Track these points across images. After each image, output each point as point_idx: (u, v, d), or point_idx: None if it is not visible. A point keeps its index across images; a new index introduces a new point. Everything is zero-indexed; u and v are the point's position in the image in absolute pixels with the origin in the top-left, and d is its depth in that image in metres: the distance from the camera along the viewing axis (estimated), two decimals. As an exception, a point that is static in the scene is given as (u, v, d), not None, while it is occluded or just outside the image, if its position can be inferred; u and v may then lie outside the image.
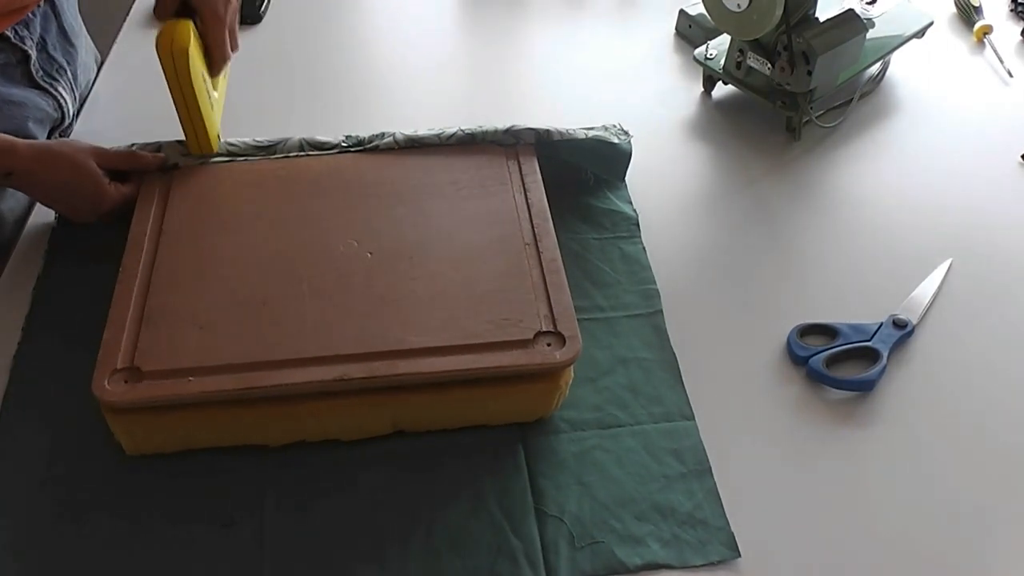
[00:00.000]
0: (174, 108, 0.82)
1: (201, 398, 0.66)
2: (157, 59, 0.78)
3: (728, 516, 0.68)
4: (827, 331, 0.80)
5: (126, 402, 0.66)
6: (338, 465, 0.70)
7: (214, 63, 0.84)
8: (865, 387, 0.76)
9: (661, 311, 0.81)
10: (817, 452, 0.73)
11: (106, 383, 0.66)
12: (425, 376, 0.67)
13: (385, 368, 0.67)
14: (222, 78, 0.89)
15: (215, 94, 0.87)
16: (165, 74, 0.79)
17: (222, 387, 0.66)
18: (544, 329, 0.70)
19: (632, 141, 0.91)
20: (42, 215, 0.88)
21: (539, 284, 0.73)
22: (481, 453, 0.71)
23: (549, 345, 0.69)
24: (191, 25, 0.79)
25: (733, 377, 0.78)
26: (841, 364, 0.78)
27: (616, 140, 0.89)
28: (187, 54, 0.78)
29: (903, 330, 0.80)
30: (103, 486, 0.69)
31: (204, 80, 0.83)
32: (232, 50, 0.85)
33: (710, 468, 0.70)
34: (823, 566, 0.66)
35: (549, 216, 0.79)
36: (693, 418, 0.73)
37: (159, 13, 0.80)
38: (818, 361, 0.77)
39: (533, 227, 0.78)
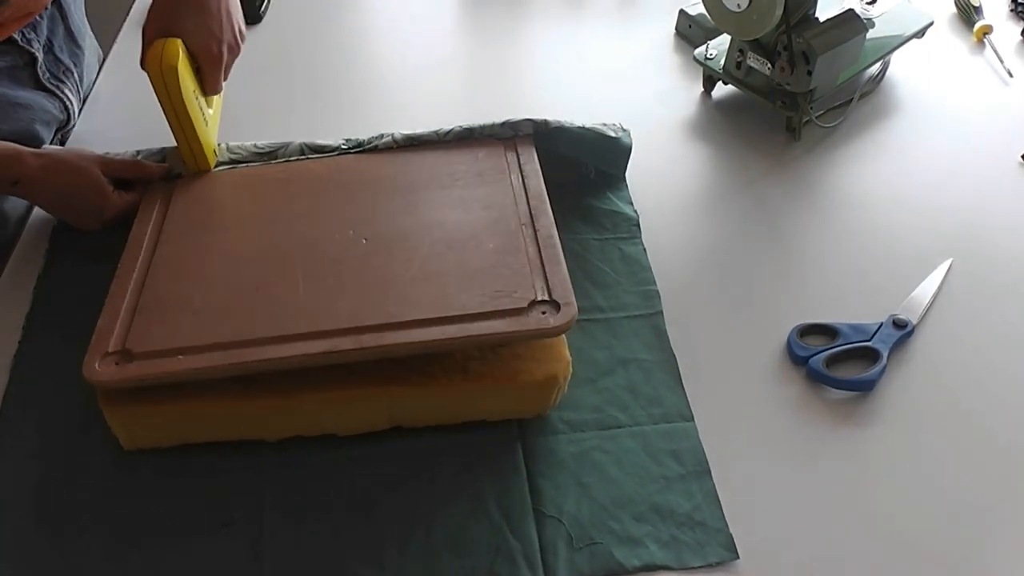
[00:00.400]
0: (168, 126, 0.82)
1: (191, 376, 0.65)
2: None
3: (727, 517, 0.68)
4: (827, 331, 0.80)
5: (116, 382, 0.65)
6: (337, 465, 0.70)
7: (205, 94, 0.85)
8: (865, 387, 0.76)
9: (661, 312, 0.81)
10: (817, 452, 0.73)
11: (96, 365, 0.66)
12: (415, 346, 0.66)
13: (374, 340, 0.66)
14: (216, 97, 0.89)
15: (209, 111, 0.87)
16: (156, 92, 0.79)
17: (211, 363, 0.65)
18: (539, 299, 0.69)
19: (632, 140, 0.91)
20: (43, 214, 0.88)
21: (535, 259, 0.72)
22: (480, 453, 0.71)
23: (544, 313, 0.68)
24: (179, 43, 0.79)
25: (733, 377, 0.78)
26: (841, 364, 0.78)
27: (614, 134, 0.89)
28: (176, 71, 0.78)
29: (903, 330, 0.80)
30: (102, 485, 0.69)
31: (196, 97, 0.83)
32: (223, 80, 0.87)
33: (709, 469, 0.70)
34: (822, 568, 0.66)
35: (546, 198, 0.78)
36: (692, 419, 0.73)
37: (147, 38, 0.80)
38: (818, 361, 0.77)
39: (530, 208, 0.77)
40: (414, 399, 0.69)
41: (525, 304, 0.68)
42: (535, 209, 0.77)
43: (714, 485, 0.69)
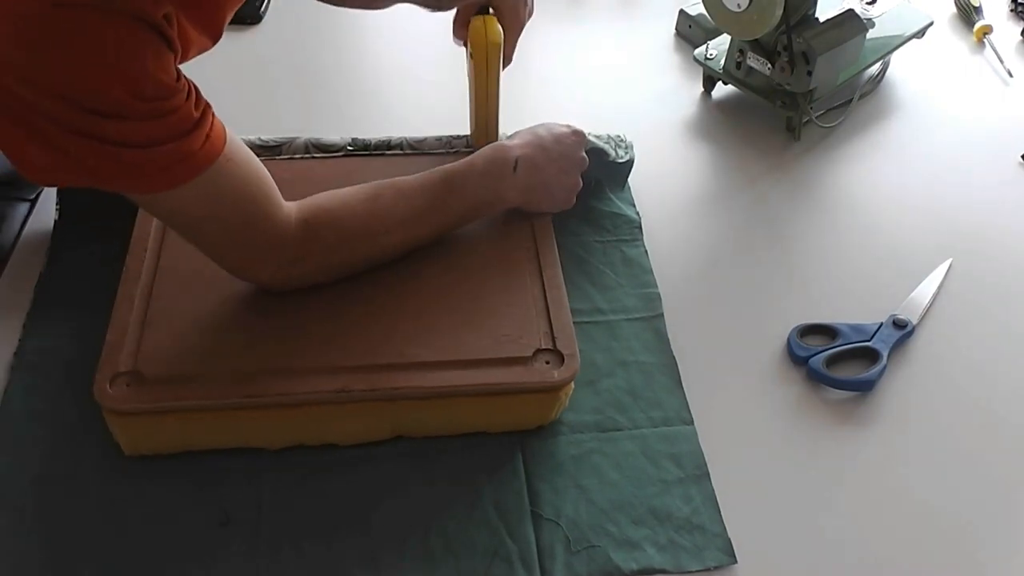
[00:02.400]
0: (469, 100, 0.85)
1: (202, 406, 0.66)
2: (467, 53, 0.81)
3: (726, 518, 0.68)
4: (827, 331, 0.80)
5: (128, 408, 0.66)
6: (335, 466, 0.70)
7: (504, 62, 0.84)
8: (865, 387, 0.76)
9: (662, 315, 0.81)
10: (817, 452, 0.73)
11: (108, 387, 0.66)
12: (424, 390, 0.68)
13: (385, 381, 0.68)
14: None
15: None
16: (474, 67, 0.81)
17: (224, 395, 0.66)
18: (543, 347, 0.70)
19: (634, 144, 0.91)
20: (44, 212, 0.88)
21: (539, 300, 0.74)
22: (478, 455, 0.71)
23: (548, 363, 0.69)
24: (495, 20, 0.80)
25: (733, 377, 0.78)
26: (841, 364, 0.78)
27: (620, 158, 0.89)
28: (499, 48, 0.80)
29: (903, 330, 0.80)
30: (101, 485, 0.68)
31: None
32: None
33: (708, 473, 0.70)
34: (822, 571, 0.66)
35: (552, 230, 0.80)
36: (692, 423, 0.73)
37: (462, 17, 0.81)
38: (818, 361, 0.77)
39: (535, 241, 0.78)
40: (417, 411, 0.70)
41: (530, 353, 0.70)
42: (540, 242, 0.78)
43: (713, 489, 0.69)
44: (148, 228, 0.77)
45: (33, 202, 0.90)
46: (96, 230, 0.83)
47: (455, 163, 0.78)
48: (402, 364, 0.69)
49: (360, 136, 0.88)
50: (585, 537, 0.66)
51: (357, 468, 0.70)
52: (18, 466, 0.69)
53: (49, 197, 0.88)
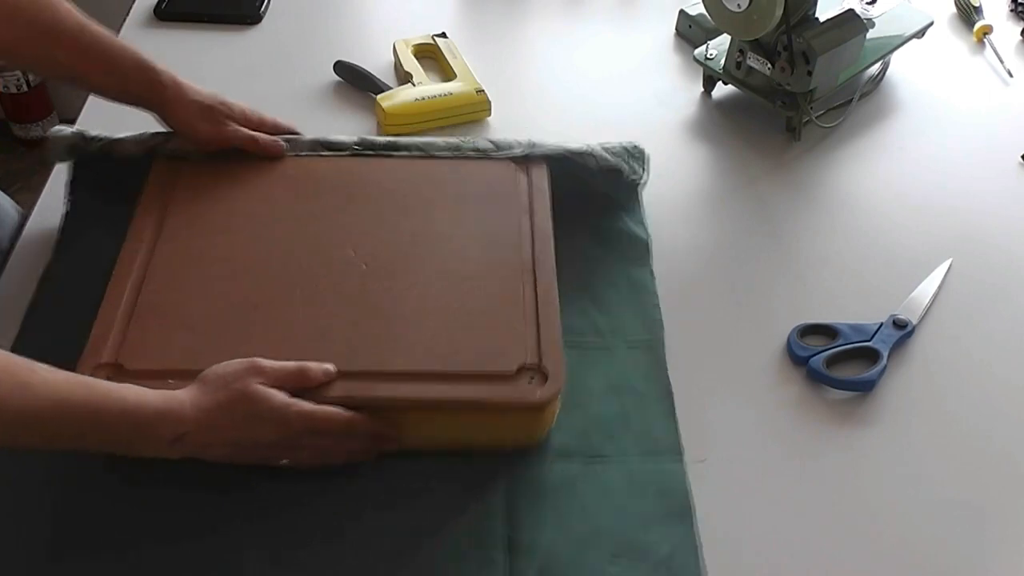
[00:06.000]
0: None
1: None
2: None
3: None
4: (827, 331, 0.80)
5: None
6: (315, 480, 0.68)
7: None
8: (865, 387, 0.76)
9: (662, 341, 0.79)
10: (817, 452, 0.73)
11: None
12: (402, 402, 0.66)
13: (364, 389, 0.66)
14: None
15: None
16: None
17: None
18: (529, 362, 0.68)
19: (648, 167, 0.89)
20: (46, 211, 0.87)
21: (531, 313, 0.71)
22: (460, 477, 0.68)
23: (531, 381, 0.67)
24: None
25: (733, 377, 0.78)
26: (841, 364, 0.78)
27: (633, 177, 0.87)
28: None
29: (903, 330, 0.80)
30: (96, 483, 0.68)
31: None
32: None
33: (692, 511, 0.67)
34: (821, 572, 0.66)
35: (552, 243, 0.77)
36: (681, 458, 0.71)
37: None
38: (818, 361, 0.77)
39: (534, 252, 0.76)
40: (401, 428, 0.68)
41: (514, 369, 0.67)
42: (539, 254, 0.76)
43: (694, 530, 0.66)
44: (147, 221, 0.77)
45: (34, 201, 0.90)
46: (105, 225, 0.82)
47: (107, 393, 0.61)
48: (381, 373, 0.67)
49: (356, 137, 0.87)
50: (560, 569, 0.64)
51: (338, 484, 0.68)
52: (17, 464, 0.69)
53: (51, 194, 0.88)
